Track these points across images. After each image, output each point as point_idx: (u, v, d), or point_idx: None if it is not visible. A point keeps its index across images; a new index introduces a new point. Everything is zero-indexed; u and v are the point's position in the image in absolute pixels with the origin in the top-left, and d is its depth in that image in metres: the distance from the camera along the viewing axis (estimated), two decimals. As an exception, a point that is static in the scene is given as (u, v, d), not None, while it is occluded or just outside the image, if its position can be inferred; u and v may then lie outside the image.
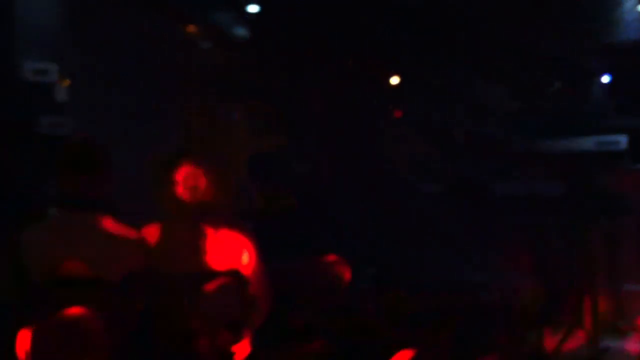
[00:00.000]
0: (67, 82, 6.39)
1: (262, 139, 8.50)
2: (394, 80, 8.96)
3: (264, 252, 4.83)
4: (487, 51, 8.72)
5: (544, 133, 8.06)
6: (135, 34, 7.11)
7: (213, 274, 4.35)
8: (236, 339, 4.26)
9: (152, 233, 4.55)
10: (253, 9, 8.31)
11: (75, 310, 3.89)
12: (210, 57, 8.10)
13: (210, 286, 4.18)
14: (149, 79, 7.20)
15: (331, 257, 5.36)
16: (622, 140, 7.73)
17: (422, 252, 8.13)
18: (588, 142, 7.56)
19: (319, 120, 8.73)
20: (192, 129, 7.64)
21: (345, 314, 4.85)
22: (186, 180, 4.54)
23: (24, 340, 3.52)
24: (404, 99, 9.03)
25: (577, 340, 6.08)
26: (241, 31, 8.33)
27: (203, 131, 7.73)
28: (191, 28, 7.97)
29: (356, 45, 8.59)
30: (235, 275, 4.40)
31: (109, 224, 4.41)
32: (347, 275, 5.24)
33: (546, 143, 7.79)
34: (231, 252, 4.52)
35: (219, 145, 7.79)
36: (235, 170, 7.71)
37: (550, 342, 4.40)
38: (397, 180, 8.44)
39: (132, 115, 6.95)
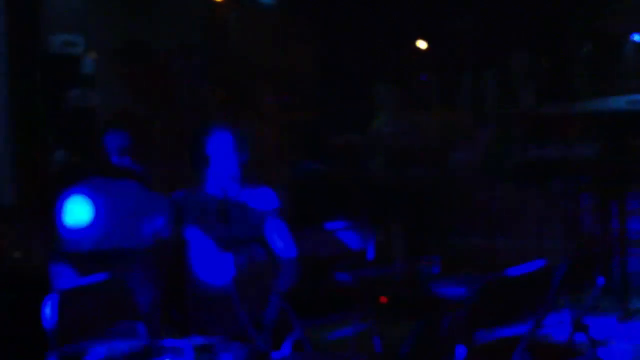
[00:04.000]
0: (93, 54, 6.41)
1: (293, 112, 8.51)
2: (421, 44, 8.91)
3: (297, 217, 4.83)
4: (517, 14, 8.64)
5: (575, 94, 7.99)
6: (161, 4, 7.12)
7: (240, 242, 4.36)
8: (262, 304, 4.27)
9: (178, 199, 4.56)
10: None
11: (102, 277, 3.91)
12: (238, 28, 8.09)
13: (237, 254, 4.18)
14: (177, 50, 7.20)
15: (359, 223, 5.34)
16: None
17: (454, 218, 8.10)
18: (619, 102, 7.46)
19: (348, 89, 8.71)
20: (220, 100, 7.64)
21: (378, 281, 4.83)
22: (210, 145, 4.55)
23: (50, 306, 3.54)
24: (433, 64, 8.98)
25: (606, 303, 6.06)
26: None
27: (231, 103, 7.74)
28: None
29: (383, 10, 8.54)
30: (259, 242, 4.40)
31: (139, 191, 4.44)
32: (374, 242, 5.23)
33: (577, 104, 7.70)
34: (256, 219, 4.51)
35: (248, 116, 7.80)
36: (265, 141, 7.71)
37: (577, 303, 4.37)
38: (427, 148, 8.40)
39: (161, 87, 6.96)
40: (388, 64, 8.80)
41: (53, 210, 4.52)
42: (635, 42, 8.22)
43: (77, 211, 4.43)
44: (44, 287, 4.61)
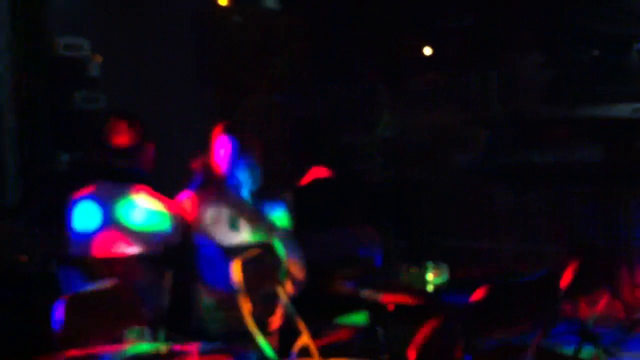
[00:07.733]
0: (99, 57, 6.41)
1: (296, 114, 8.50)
2: (426, 50, 8.89)
3: (302, 222, 4.82)
4: (523, 19, 8.62)
5: (580, 100, 7.98)
6: (167, 7, 7.12)
7: (246, 246, 4.35)
8: (270, 310, 4.27)
9: (187, 204, 4.55)
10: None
11: (109, 282, 3.91)
12: (242, 30, 8.07)
13: (243, 258, 4.17)
14: (182, 53, 7.20)
15: (364, 228, 5.34)
16: None
17: (457, 223, 8.09)
18: (624, 109, 7.47)
19: (353, 91, 8.71)
20: (225, 101, 7.63)
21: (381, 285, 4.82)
22: (217, 149, 4.55)
23: (58, 310, 3.54)
24: (438, 68, 8.96)
25: (612, 311, 6.03)
26: (272, 2, 8.30)
27: (237, 103, 7.72)
28: (223, 1, 7.94)
29: (387, 14, 8.53)
30: (267, 247, 4.40)
31: (146, 196, 4.43)
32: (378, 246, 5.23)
33: (582, 110, 7.70)
34: (263, 223, 4.51)
35: (254, 117, 7.78)
36: (271, 142, 7.69)
37: (585, 312, 4.36)
38: (429, 151, 8.40)
39: (166, 89, 6.96)
40: (390, 65, 8.79)
41: (57, 212, 4.52)
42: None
43: (86, 216, 4.42)
44: (48, 289, 4.62)
